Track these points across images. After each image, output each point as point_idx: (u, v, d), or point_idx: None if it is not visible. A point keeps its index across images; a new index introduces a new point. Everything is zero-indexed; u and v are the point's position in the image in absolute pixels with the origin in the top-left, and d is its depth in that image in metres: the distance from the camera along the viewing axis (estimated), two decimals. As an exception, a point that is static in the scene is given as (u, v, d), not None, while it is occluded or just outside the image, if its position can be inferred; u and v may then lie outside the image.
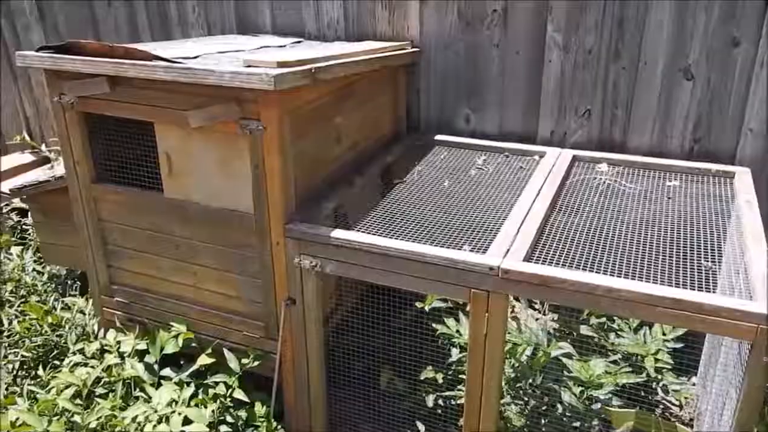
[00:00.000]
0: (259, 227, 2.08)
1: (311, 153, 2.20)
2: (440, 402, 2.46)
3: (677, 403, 2.80)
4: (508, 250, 1.89)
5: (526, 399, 2.12)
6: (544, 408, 2.10)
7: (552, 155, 2.67)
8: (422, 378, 2.46)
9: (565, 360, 2.05)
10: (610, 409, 2.28)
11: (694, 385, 2.97)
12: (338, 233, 1.99)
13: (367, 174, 2.51)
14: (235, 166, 2.06)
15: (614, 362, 2.65)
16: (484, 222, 2.15)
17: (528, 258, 1.88)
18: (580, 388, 2.03)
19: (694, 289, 1.76)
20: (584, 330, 2.56)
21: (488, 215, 2.20)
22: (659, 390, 2.74)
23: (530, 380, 2.13)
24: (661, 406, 2.88)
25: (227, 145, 2.05)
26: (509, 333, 2.40)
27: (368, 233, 2.03)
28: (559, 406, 2.06)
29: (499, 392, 2.02)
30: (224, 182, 2.11)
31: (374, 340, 2.45)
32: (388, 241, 1.96)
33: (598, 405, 2.00)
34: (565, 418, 2.05)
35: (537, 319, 2.79)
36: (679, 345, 2.64)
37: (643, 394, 2.69)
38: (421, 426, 2.40)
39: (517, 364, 2.27)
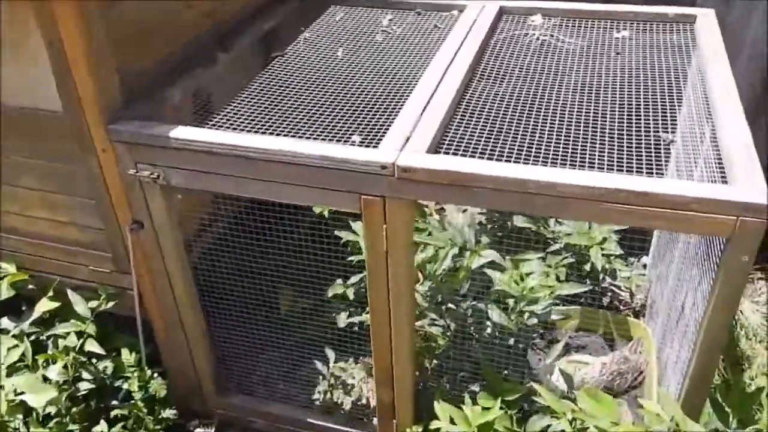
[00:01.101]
0: (75, 131, 1.55)
1: (143, 21, 1.63)
2: (355, 320, 2.07)
3: (627, 289, 2.49)
4: (408, 138, 1.42)
5: (446, 320, 1.74)
6: (468, 331, 1.73)
7: (474, 8, 2.15)
8: (330, 296, 2.05)
9: (490, 272, 1.66)
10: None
11: (645, 266, 2.67)
12: (182, 132, 1.48)
13: (235, 47, 1.95)
14: (26, 47, 1.49)
15: (556, 252, 2.29)
16: (383, 103, 1.66)
17: (436, 148, 1.42)
18: (513, 300, 1.65)
19: (651, 174, 1.34)
20: (519, 221, 2.17)
21: (390, 93, 1.71)
22: (607, 277, 2.42)
23: (451, 298, 1.74)
24: (609, 294, 2.58)
25: (9, 18, 1.47)
26: (429, 234, 1.99)
27: (228, 129, 1.53)
28: (488, 324, 1.69)
29: (412, 314, 1.63)
30: (17, 71, 1.54)
31: (267, 258, 2.00)
32: (248, 138, 1.46)
33: (535, 320, 1.63)
34: (496, 341, 1.69)
35: (464, 211, 2.39)
36: (627, 226, 2.30)
37: (588, 282, 2.38)
38: (330, 353, 2.02)
39: (438, 275, 1.87)
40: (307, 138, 1.50)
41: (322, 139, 1.49)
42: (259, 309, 2.02)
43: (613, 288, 2.57)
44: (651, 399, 2.06)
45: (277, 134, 1.51)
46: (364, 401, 2.03)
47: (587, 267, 2.27)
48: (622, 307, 2.49)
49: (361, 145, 1.45)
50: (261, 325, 2.02)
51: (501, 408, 1.66)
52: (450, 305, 1.73)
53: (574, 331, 2.29)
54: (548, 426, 1.61)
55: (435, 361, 1.83)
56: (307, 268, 1.97)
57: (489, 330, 1.68)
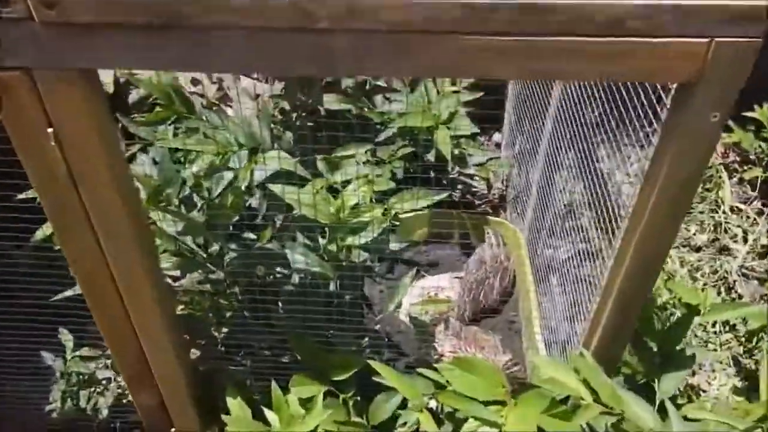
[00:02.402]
0: None
1: None
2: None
3: (482, 179, 1.98)
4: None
5: (223, 271, 1.09)
6: (264, 283, 1.10)
7: None
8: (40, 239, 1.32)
9: (276, 188, 1.00)
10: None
11: (498, 146, 2.17)
12: None
13: None
14: None
15: (388, 141, 1.71)
16: None
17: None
18: (326, 230, 1.03)
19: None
20: (331, 101, 1.53)
21: None
22: (455, 167, 1.89)
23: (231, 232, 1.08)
24: (460, 187, 2.06)
25: None
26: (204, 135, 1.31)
27: None
28: (294, 273, 1.07)
29: (153, 272, 0.97)
30: None
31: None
32: None
33: (366, 255, 1.03)
34: (310, 295, 1.08)
35: (256, 97, 1.71)
36: (474, 95, 1.75)
37: (433, 174, 1.84)
38: (66, 336, 1.32)
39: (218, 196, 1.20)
40: None
41: None
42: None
43: (464, 179, 2.05)
44: (527, 312, 1.60)
45: None
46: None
47: (430, 156, 1.71)
48: (477, 202, 1.99)
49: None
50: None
51: (330, 393, 1.09)
52: (232, 246, 1.08)
53: (423, 243, 1.76)
54: (404, 405, 1.07)
55: (225, 331, 1.20)
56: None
57: (297, 279, 1.07)
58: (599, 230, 1.38)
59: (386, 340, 1.35)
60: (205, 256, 1.14)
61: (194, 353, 1.21)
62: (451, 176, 1.99)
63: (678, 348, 1.08)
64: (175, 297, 1.20)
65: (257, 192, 1.09)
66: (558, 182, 1.58)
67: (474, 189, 2.00)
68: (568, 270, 1.54)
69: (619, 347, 1.00)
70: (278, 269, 1.04)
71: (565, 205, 1.58)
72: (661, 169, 0.75)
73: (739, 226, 1.93)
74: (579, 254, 1.48)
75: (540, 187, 1.63)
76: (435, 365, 0.97)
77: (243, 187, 1.00)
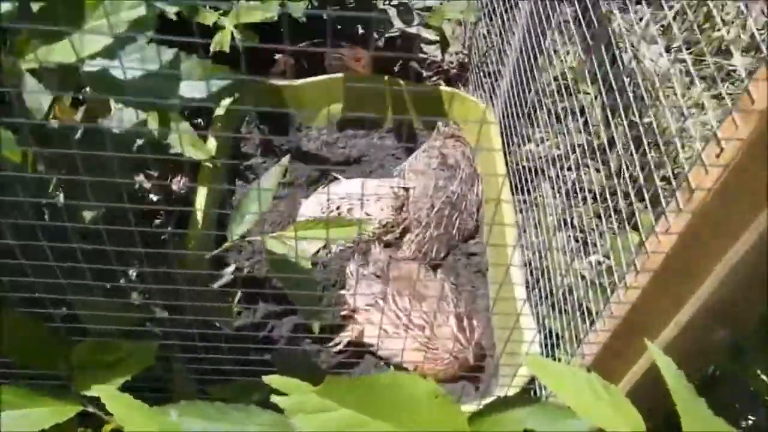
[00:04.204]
0: None
1: None
2: None
3: (435, 33, 1.36)
4: None
5: None
6: None
7: None
8: None
9: None
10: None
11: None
12: None
13: None
14: None
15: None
16: None
17: None
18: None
19: None
20: None
21: None
22: (392, 16, 1.29)
23: None
24: (419, 67, 1.45)
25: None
26: None
27: None
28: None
29: None
30: None
31: None
32: None
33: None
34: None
35: None
36: None
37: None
38: None
39: None
40: None
41: None
42: None
43: (408, 36, 1.43)
44: (498, 240, 1.04)
45: None
46: None
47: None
48: (426, 73, 1.39)
49: None
50: None
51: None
52: None
53: (338, 126, 1.17)
54: None
55: None
56: None
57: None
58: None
59: (241, 291, 0.79)
60: None
61: None
62: (389, 34, 1.38)
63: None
64: None
65: None
66: (549, 45, 1.01)
67: (422, 53, 1.39)
68: (562, 173, 1.00)
69: (717, 345, 0.46)
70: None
71: (556, 78, 1.02)
72: None
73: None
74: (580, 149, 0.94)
75: (522, 50, 1.05)
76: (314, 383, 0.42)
77: None
